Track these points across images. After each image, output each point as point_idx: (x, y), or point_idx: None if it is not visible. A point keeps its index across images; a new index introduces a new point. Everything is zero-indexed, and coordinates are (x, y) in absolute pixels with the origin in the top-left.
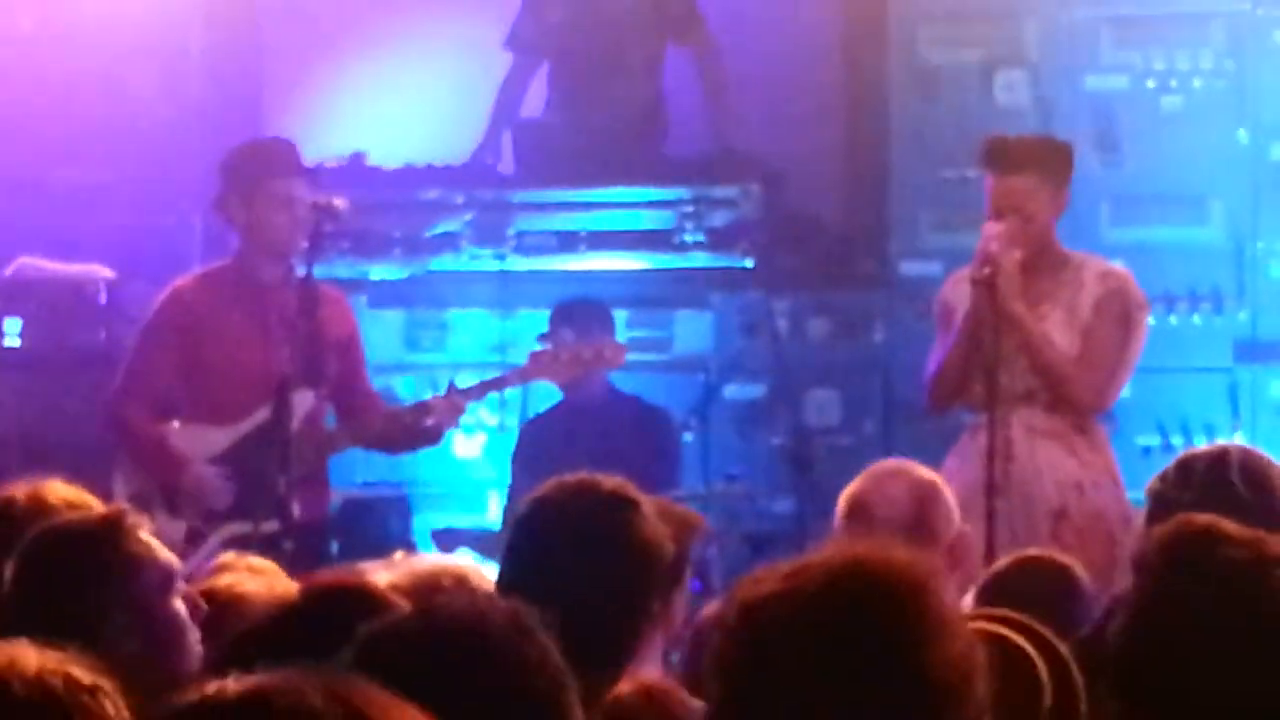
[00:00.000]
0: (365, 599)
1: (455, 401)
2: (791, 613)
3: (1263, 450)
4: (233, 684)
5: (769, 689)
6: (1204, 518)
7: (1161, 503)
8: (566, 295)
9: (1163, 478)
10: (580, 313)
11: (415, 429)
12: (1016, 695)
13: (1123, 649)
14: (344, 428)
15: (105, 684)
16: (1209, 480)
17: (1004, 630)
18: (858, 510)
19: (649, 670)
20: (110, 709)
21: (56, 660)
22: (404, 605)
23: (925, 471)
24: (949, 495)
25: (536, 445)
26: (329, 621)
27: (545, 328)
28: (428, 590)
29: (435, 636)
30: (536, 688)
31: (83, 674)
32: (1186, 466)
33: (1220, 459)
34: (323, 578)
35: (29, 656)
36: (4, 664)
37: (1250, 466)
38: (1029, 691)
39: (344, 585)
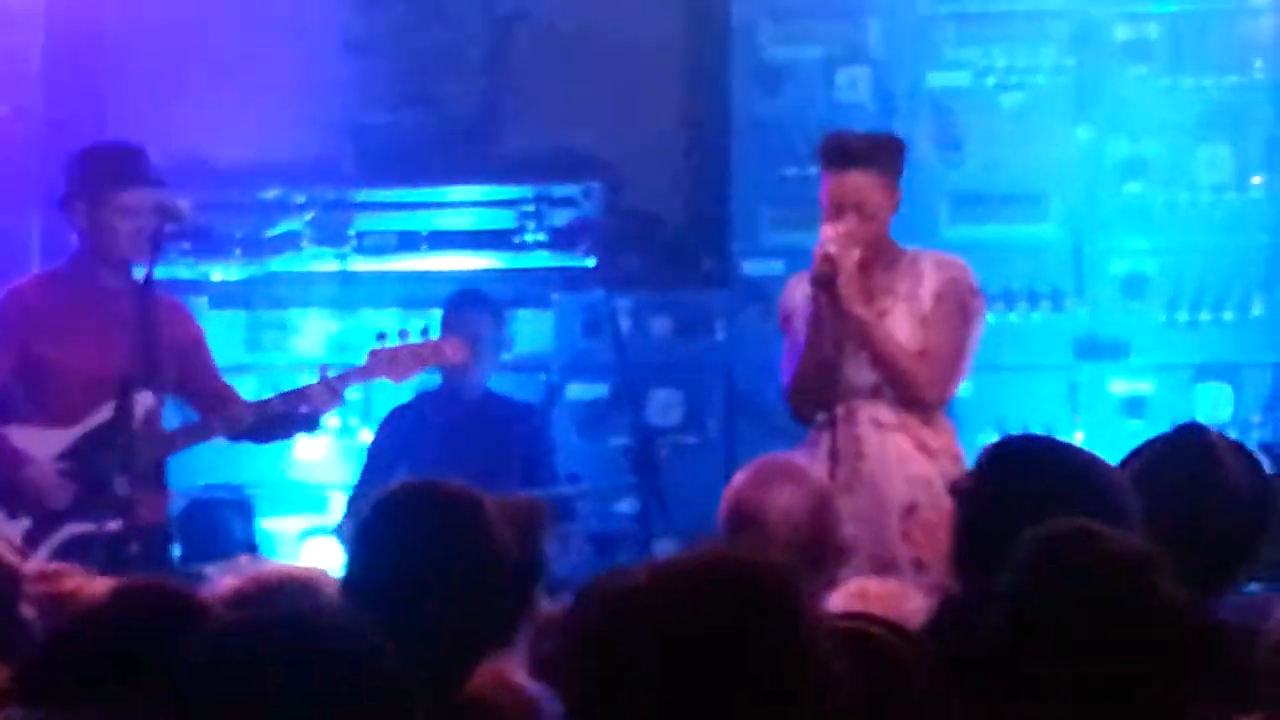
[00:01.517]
0: (174, 601)
1: (333, 386)
2: (657, 608)
3: (1093, 449)
4: None
5: (631, 685)
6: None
7: (973, 498)
8: (428, 296)
9: (974, 474)
10: (468, 303)
11: (290, 417)
12: (884, 684)
13: (1004, 645)
14: (194, 424)
15: None
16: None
17: (869, 626)
18: (743, 513)
19: (511, 666)
20: None
21: None
22: (218, 608)
23: (814, 476)
24: (835, 499)
25: (406, 435)
26: (135, 624)
27: (386, 327)
28: (271, 596)
29: (254, 642)
30: (361, 692)
31: None
32: (999, 456)
33: (1034, 452)
34: (133, 580)
35: None
36: None
37: (1071, 458)
38: (898, 681)
39: (152, 587)
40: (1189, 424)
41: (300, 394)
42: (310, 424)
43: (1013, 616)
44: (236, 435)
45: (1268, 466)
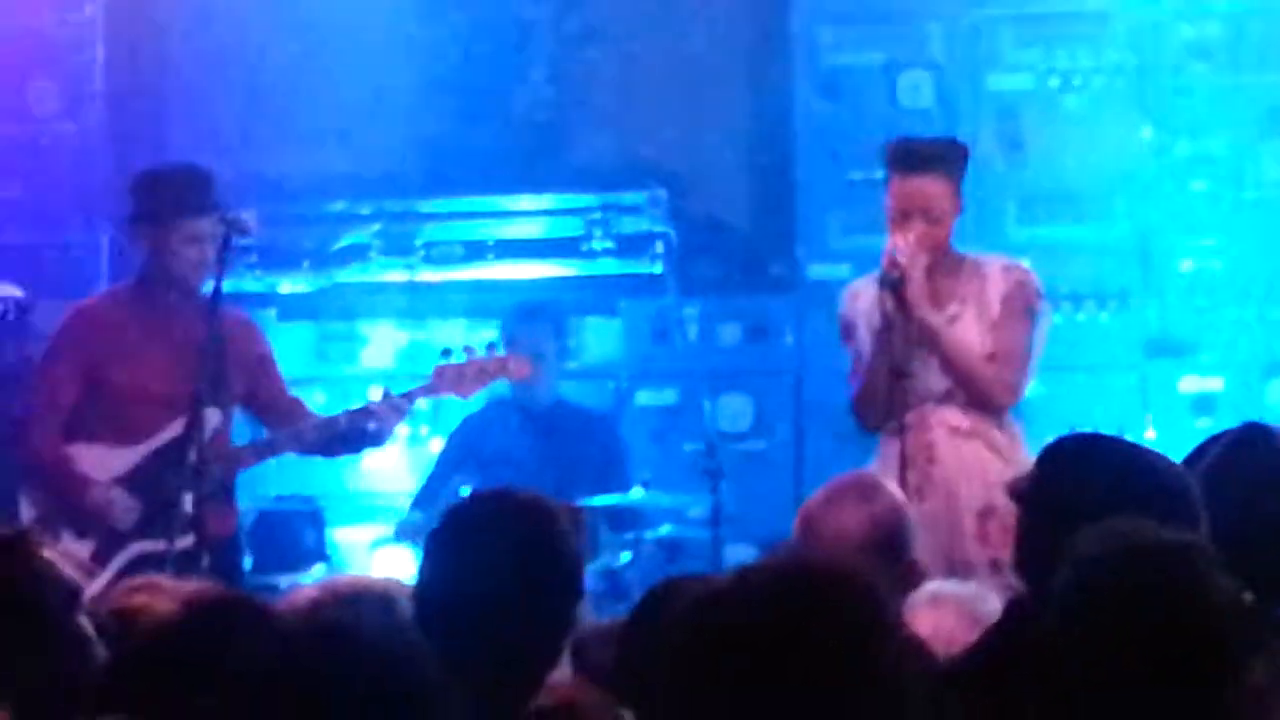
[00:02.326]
0: (244, 611)
1: (397, 404)
2: (743, 614)
3: (1163, 447)
4: None
5: (714, 693)
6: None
7: (1035, 498)
8: (497, 304)
9: (1035, 474)
10: (531, 316)
11: (357, 433)
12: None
13: (1058, 646)
14: (264, 440)
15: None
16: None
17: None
18: (811, 529)
19: (560, 673)
20: None
21: None
22: (286, 616)
23: (887, 495)
24: (908, 519)
25: (475, 447)
26: (209, 635)
27: (454, 337)
28: (346, 606)
29: (307, 649)
30: (406, 698)
31: None
32: (1059, 456)
33: (1097, 451)
34: (204, 592)
35: None
36: None
37: (1136, 458)
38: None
39: (223, 599)
40: (1253, 423)
41: (365, 411)
42: (377, 440)
43: (1066, 616)
44: (305, 451)
45: None
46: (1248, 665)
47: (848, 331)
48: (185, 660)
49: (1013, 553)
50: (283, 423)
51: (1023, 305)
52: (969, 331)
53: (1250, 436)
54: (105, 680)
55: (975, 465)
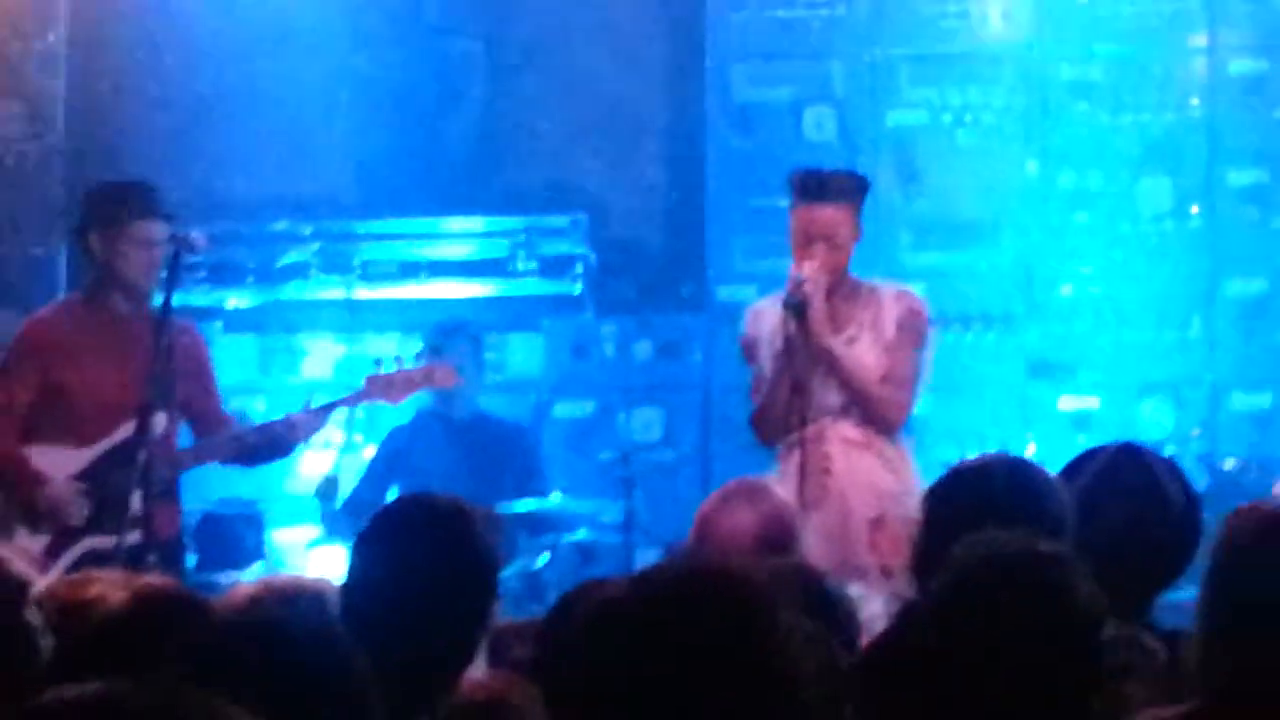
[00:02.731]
0: (186, 605)
1: (315, 417)
2: (637, 617)
3: (1039, 461)
4: (70, 690)
5: (614, 690)
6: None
7: (932, 513)
8: (427, 320)
9: (933, 491)
10: (455, 332)
11: (271, 444)
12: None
13: (932, 648)
14: (202, 445)
15: None
16: (977, 489)
17: None
18: (706, 531)
19: (476, 668)
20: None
21: None
22: (226, 611)
23: (774, 498)
24: (794, 520)
25: (402, 455)
26: (153, 627)
27: (388, 350)
28: (281, 602)
29: (242, 640)
30: (332, 687)
31: None
32: (956, 477)
33: (985, 470)
34: (150, 587)
35: None
36: None
37: (1017, 475)
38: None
39: (167, 593)
40: (1128, 443)
41: (286, 422)
42: (286, 451)
43: (943, 618)
44: (226, 460)
45: (1206, 478)
46: (1106, 667)
47: (750, 350)
48: (131, 651)
49: (910, 559)
50: (209, 432)
51: (914, 331)
52: (865, 354)
53: (1125, 456)
54: (53, 669)
55: (868, 477)
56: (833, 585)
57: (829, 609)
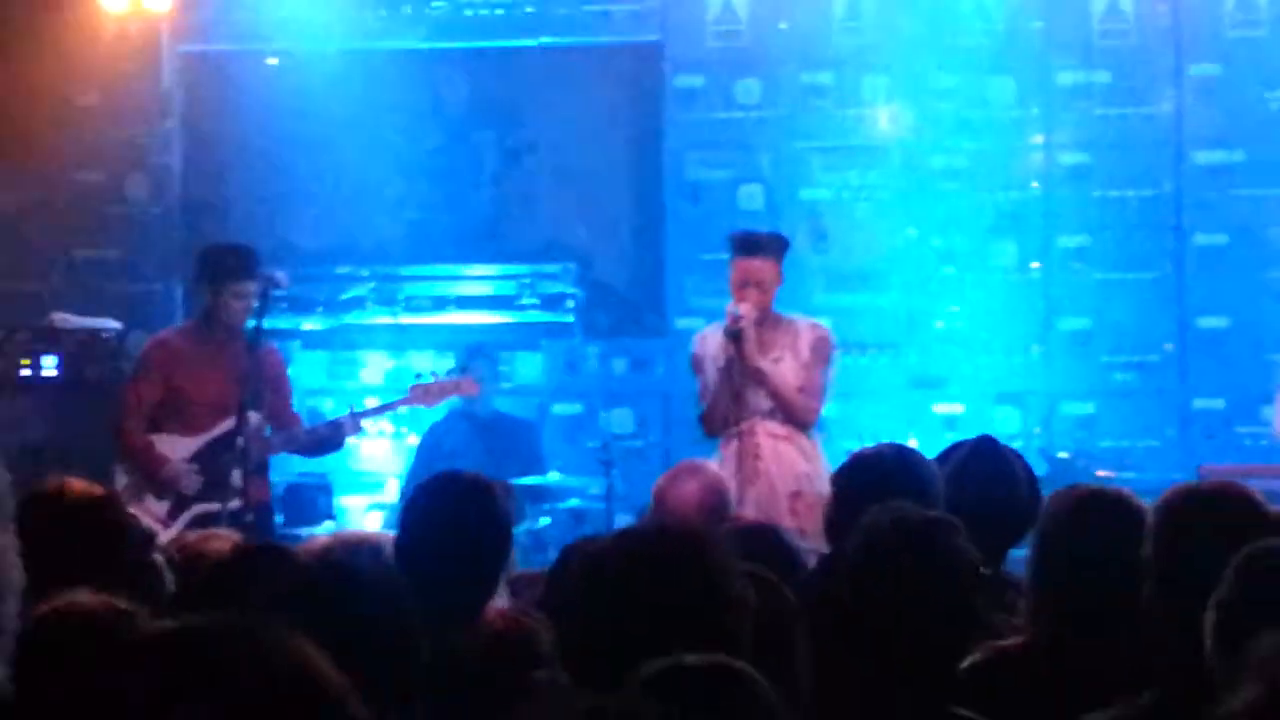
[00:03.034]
0: (275, 554)
1: (356, 420)
2: (622, 563)
3: (920, 450)
4: (188, 620)
5: (610, 613)
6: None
7: (840, 487)
8: (456, 341)
9: (840, 471)
10: (477, 352)
11: (327, 440)
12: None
13: (848, 593)
14: (277, 437)
15: (136, 612)
16: (873, 471)
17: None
18: (661, 501)
19: (499, 602)
20: (141, 629)
21: (101, 599)
22: (305, 557)
23: (711, 472)
24: (727, 489)
25: (439, 443)
26: (251, 570)
27: (425, 364)
28: (349, 551)
29: (318, 578)
30: (386, 614)
31: (122, 605)
32: (858, 460)
33: (879, 456)
34: (247, 541)
35: (84, 596)
36: (68, 604)
37: (903, 460)
38: (782, 607)
39: (261, 545)
40: (984, 437)
41: (336, 424)
42: (337, 446)
43: (855, 569)
44: (294, 451)
45: (1044, 465)
46: (982, 606)
47: (697, 365)
48: (232, 590)
49: (823, 523)
50: (282, 426)
51: (822, 354)
52: (787, 371)
53: (983, 447)
54: (174, 602)
55: (789, 461)
56: (788, 539)
57: (784, 558)
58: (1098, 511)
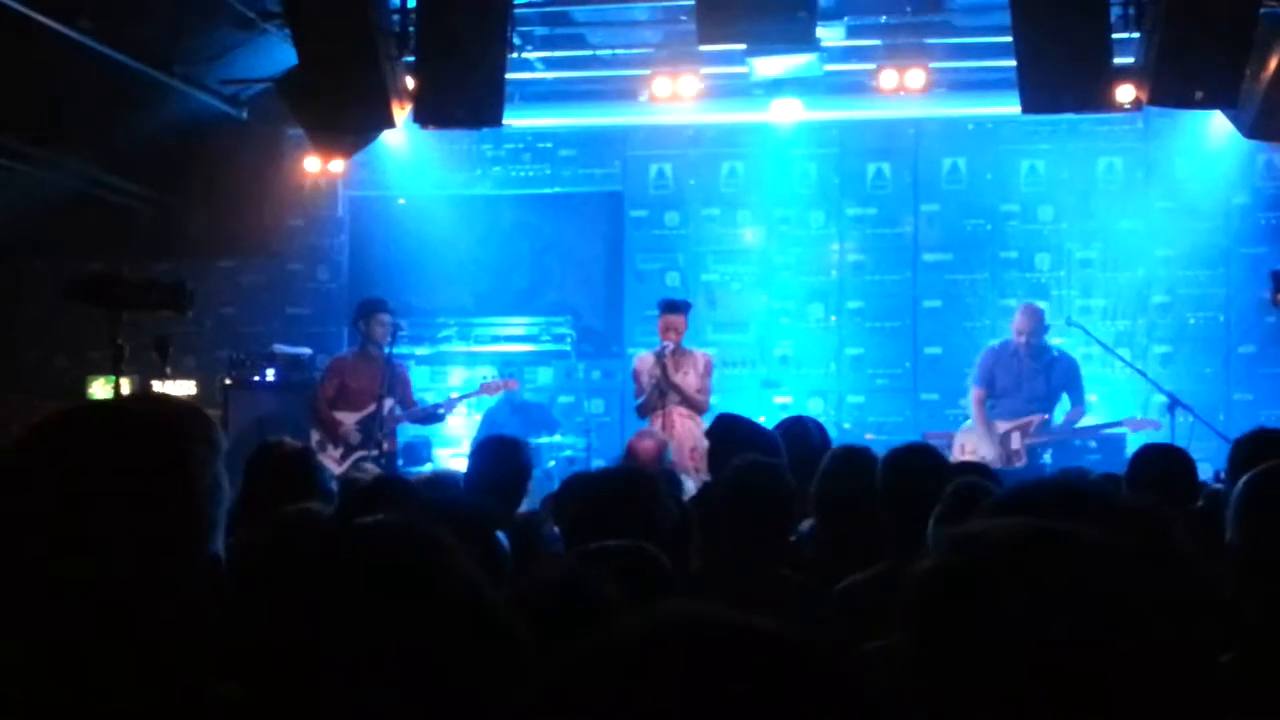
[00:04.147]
0: (400, 482)
1: (449, 406)
2: (606, 486)
3: (764, 423)
4: (358, 522)
5: (590, 524)
6: (753, 455)
7: (713, 442)
8: (503, 361)
9: (712, 431)
10: (510, 367)
11: (431, 416)
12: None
13: (716, 510)
14: (404, 414)
15: (323, 513)
16: (733, 432)
17: None
18: (631, 451)
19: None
20: (324, 526)
21: (301, 508)
22: (415, 482)
23: (660, 435)
24: (669, 447)
25: (493, 419)
26: (390, 490)
27: (486, 373)
28: (441, 481)
29: (425, 490)
30: (460, 509)
31: (315, 510)
32: (722, 424)
33: (737, 421)
34: (385, 474)
35: (290, 507)
36: (282, 512)
37: (754, 427)
38: (685, 515)
39: (392, 477)
40: (798, 415)
41: (442, 405)
42: (440, 419)
43: (721, 493)
44: (415, 421)
45: (836, 433)
46: (794, 513)
47: (635, 377)
48: (376, 502)
49: (706, 465)
50: (407, 408)
51: (709, 370)
52: (691, 381)
53: (798, 420)
54: (338, 513)
55: (690, 432)
56: (677, 477)
57: (676, 488)
58: (853, 455)
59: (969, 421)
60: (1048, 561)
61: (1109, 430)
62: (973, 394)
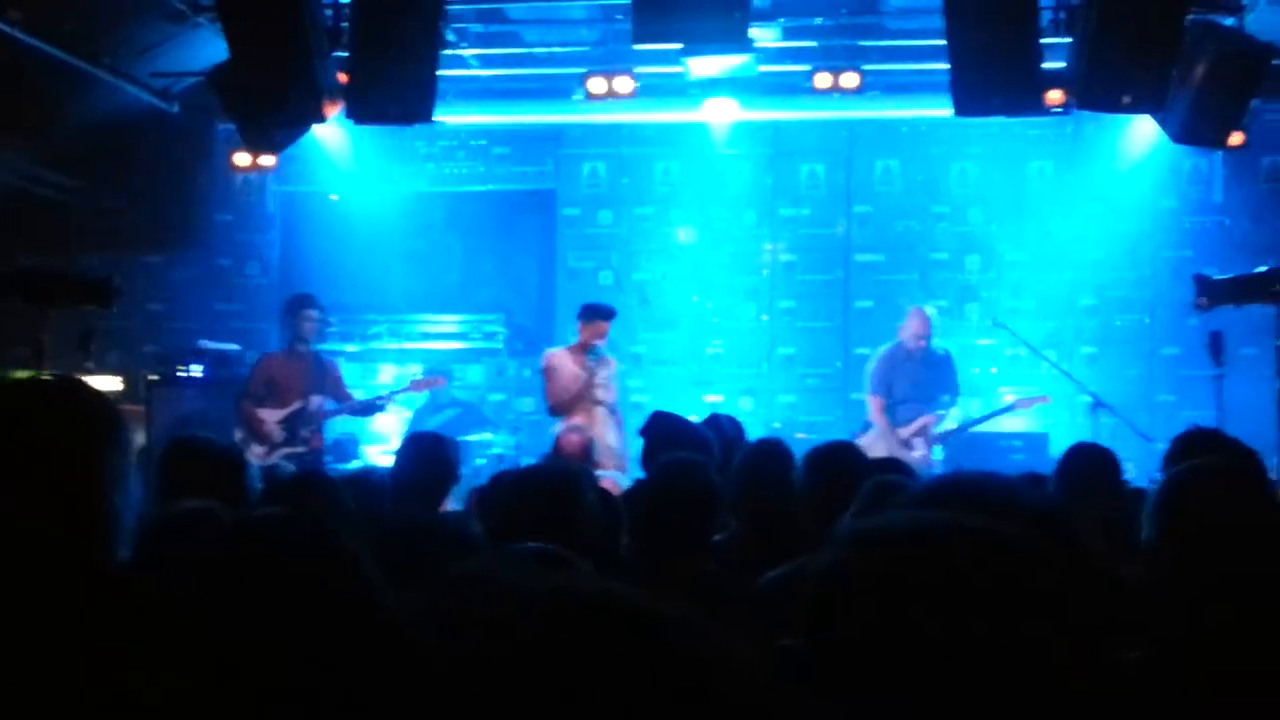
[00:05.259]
0: (322, 477)
1: (381, 401)
2: (524, 481)
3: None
4: (265, 511)
5: (510, 512)
6: (686, 454)
7: (648, 438)
8: (434, 359)
9: (646, 429)
10: (441, 364)
11: (365, 409)
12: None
13: (645, 502)
14: (334, 409)
15: (236, 509)
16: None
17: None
18: (559, 446)
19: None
20: (237, 518)
21: (206, 502)
22: (340, 478)
23: (585, 430)
24: (594, 441)
25: (421, 416)
26: (306, 485)
27: (416, 371)
28: (367, 477)
29: (350, 485)
30: (382, 497)
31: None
32: (656, 421)
33: (669, 419)
34: (309, 469)
35: (195, 501)
36: (190, 506)
37: (686, 424)
38: (614, 513)
39: (315, 471)
40: (717, 413)
41: (374, 399)
42: (374, 412)
43: (653, 487)
44: (349, 414)
45: (765, 431)
46: (720, 507)
47: (553, 374)
48: (295, 496)
49: (641, 461)
50: (339, 401)
51: (619, 373)
52: (613, 386)
53: (718, 417)
54: (257, 502)
55: (607, 425)
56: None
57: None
58: (769, 449)
59: (873, 431)
60: (945, 555)
61: (1001, 414)
62: (872, 403)
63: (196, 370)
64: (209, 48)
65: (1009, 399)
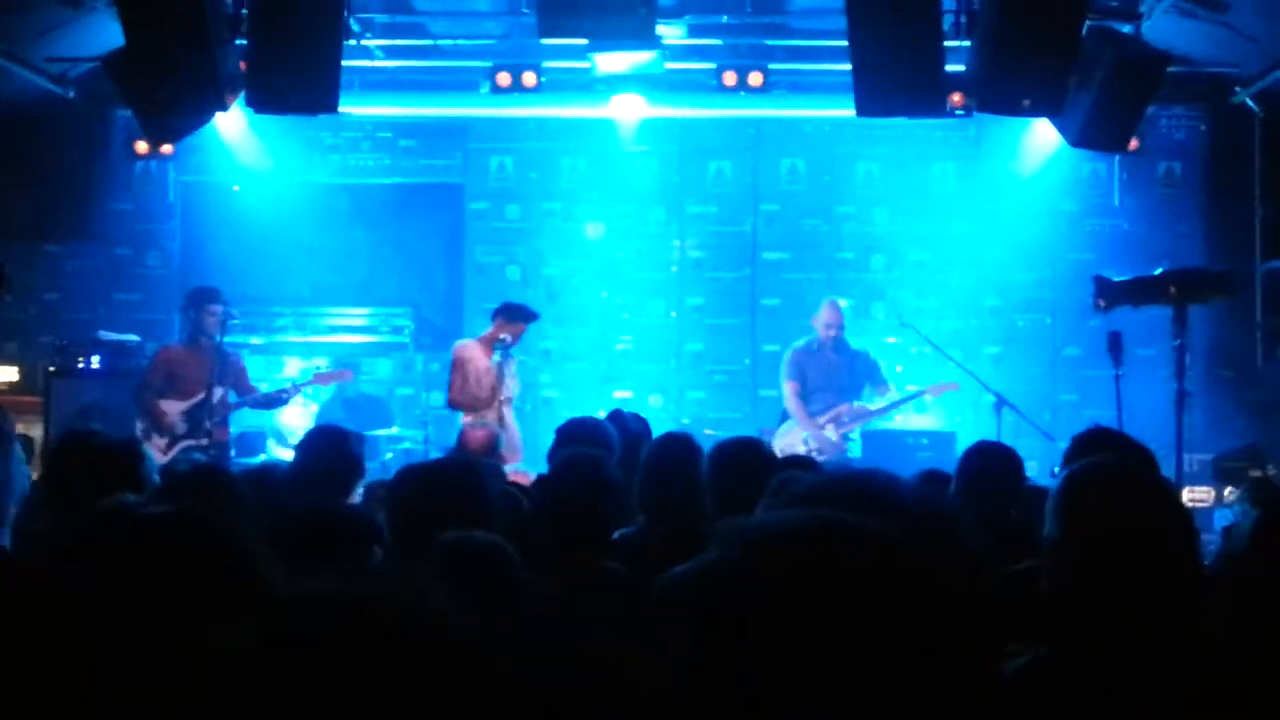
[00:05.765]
0: (223, 473)
1: (288, 393)
2: (434, 475)
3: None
4: (159, 506)
5: (421, 506)
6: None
7: (559, 436)
8: (340, 352)
9: (560, 430)
10: (349, 358)
11: (271, 401)
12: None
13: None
14: (238, 401)
15: (138, 503)
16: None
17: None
18: (464, 441)
19: (353, 499)
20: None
21: (114, 497)
22: (241, 472)
23: (492, 428)
24: (499, 436)
25: (327, 410)
26: (208, 480)
27: (321, 364)
28: (271, 472)
29: (250, 482)
30: (284, 493)
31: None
32: (571, 425)
33: (582, 421)
34: (210, 463)
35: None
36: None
37: (593, 423)
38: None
39: (216, 467)
40: (621, 410)
41: (280, 392)
42: (278, 405)
43: (554, 479)
44: (252, 407)
45: (675, 426)
46: (622, 503)
47: (463, 367)
48: (195, 491)
49: (546, 457)
50: (244, 394)
51: (516, 369)
52: (513, 379)
53: (621, 413)
54: (154, 497)
55: (515, 428)
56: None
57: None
58: (674, 444)
59: (789, 422)
60: (823, 555)
61: (911, 399)
62: (788, 388)
63: (95, 361)
64: (106, 32)
65: (913, 389)
